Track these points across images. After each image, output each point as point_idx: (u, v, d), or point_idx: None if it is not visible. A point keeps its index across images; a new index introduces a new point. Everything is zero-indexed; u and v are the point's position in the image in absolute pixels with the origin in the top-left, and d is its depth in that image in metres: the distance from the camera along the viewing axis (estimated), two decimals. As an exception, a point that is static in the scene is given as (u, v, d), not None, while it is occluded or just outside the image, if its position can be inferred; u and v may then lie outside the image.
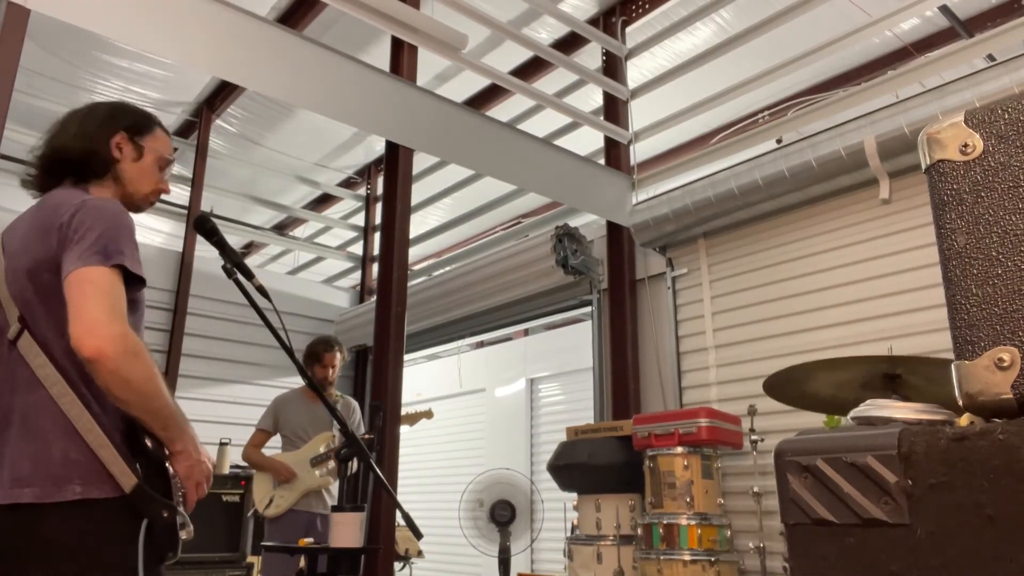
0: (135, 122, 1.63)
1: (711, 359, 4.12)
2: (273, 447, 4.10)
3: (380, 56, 4.09)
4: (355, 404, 4.28)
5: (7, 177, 6.00)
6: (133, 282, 1.39)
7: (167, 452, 1.40)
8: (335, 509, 2.60)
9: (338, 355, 4.10)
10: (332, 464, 3.96)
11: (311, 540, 3.04)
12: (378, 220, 5.98)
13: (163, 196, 1.66)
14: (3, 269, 1.43)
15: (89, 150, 1.54)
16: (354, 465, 3.67)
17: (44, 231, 1.40)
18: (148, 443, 1.38)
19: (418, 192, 6.27)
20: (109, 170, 1.56)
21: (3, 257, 1.45)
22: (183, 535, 1.40)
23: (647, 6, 4.92)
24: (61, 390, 1.33)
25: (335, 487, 4.03)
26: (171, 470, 1.41)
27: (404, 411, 4.18)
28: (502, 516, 4.34)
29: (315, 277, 7.65)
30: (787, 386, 2.52)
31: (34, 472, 1.30)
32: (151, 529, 1.34)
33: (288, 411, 4.08)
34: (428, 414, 4.39)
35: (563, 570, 3.74)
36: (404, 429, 4.13)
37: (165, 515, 1.35)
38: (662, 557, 3.20)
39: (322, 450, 3.95)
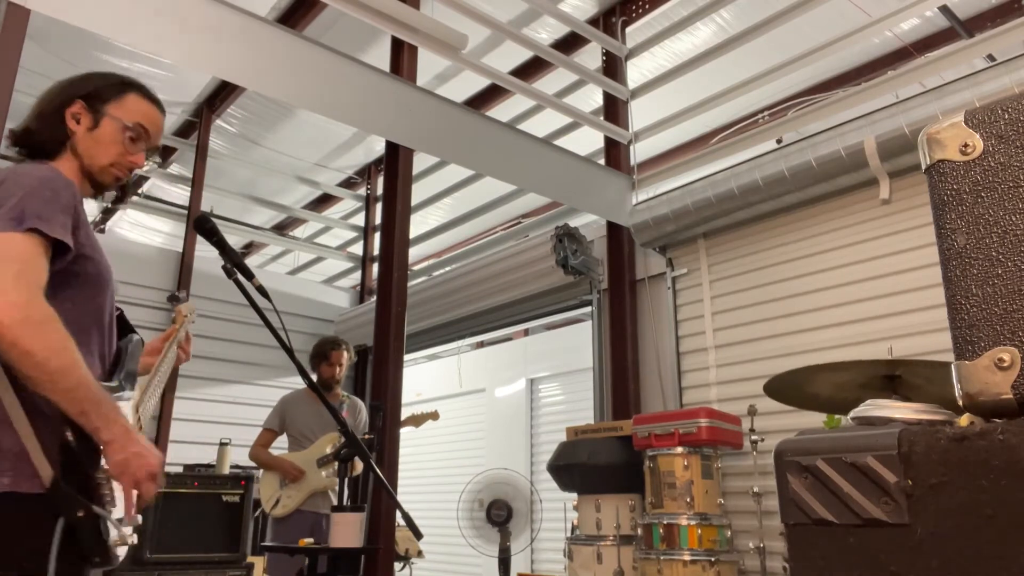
0: (96, 88, 1.54)
1: (711, 359, 4.12)
2: (279, 447, 4.11)
3: (380, 56, 4.09)
4: (361, 404, 4.29)
5: (7, 177, 5.99)
6: (62, 250, 1.29)
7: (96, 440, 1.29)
8: (335, 509, 2.61)
9: (345, 354, 4.14)
10: (338, 464, 3.96)
11: (311, 540, 3.04)
12: (378, 220, 5.98)
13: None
14: None
15: (35, 128, 1.46)
16: (358, 466, 3.68)
17: None
18: (69, 435, 1.27)
19: (418, 192, 6.27)
20: (64, 144, 1.46)
21: None
22: (115, 540, 1.30)
23: (647, 6, 4.92)
24: None
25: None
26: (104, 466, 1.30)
27: (410, 412, 4.20)
28: (500, 516, 4.34)
29: (315, 277, 7.66)
30: (787, 388, 2.52)
31: None
32: (73, 530, 1.25)
33: (295, 411, 4.09)
34: (434, 415, 4.39)
35: (563, 570, 3.74)
36: (407, 430, 4.15)
37: (80, 515, 1.24)
38: (662, 557, 3.20)
39: (328, 451, 3.96)
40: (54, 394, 1.22)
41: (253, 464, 4.60)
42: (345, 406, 4.03)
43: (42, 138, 1.47)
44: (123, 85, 1.58)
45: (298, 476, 3.90)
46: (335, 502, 3.96)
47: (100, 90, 1.55)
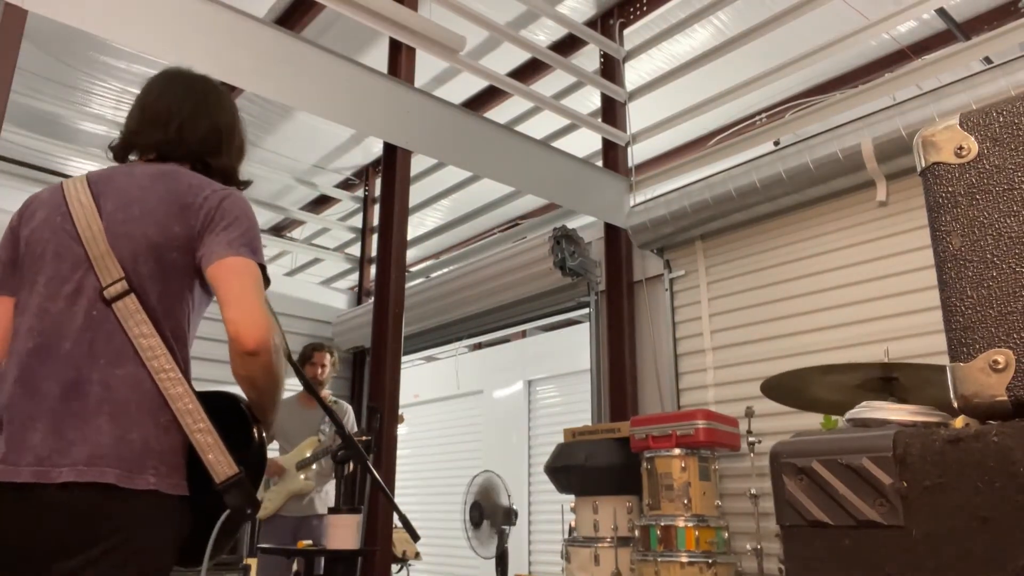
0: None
1: (708, 361, 4.12)
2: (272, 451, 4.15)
3: (378, 58, 4.09)
4: (347, 407, 4.35)
5: (6, 179, 5.99)
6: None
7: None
8: (332, 511, 2.60)
9: (327, 355, 4.22)
10: (315, 468, 4.04)
11: (310, 542, 3.04)
12: (376, 221, 5.97)
13: None
14: (99, 224, 1.33)
15: (229, 155, 1.52)
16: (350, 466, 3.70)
17: (180, 207, 1.34)
18: (256, 437, 1.33)
19: (416, 193, 6.27)
20: (234, 181, 1.54)
21: (95, 209, 1.35)
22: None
23: (645, 8, 4.92)
24: (164, 364, 1.26)
25: (329, 489, 4.07)
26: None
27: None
28: (495, 518, 4.35)
29: (313, 278, 7.65)
30: (784, 389, 2.53)
31: (115, 452, 1.21)
32: (206, 526, 1.28)
33: (283, 416, 4.13)
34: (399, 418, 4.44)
35: (560, 572, 3.74)
36: (405, 432, 4.16)
37: (249, 513, 1.28)
38: (659, 559, 3.20)
39: (308, 455, 4.02)
40: (268, 401, 1.36)
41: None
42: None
43: (228, 166, 1.52)
44: None
45: (279, 472, 4.00)
46: (317, 504, 4.02)
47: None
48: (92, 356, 1.26)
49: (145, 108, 1.50)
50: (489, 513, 4.36)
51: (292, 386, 5.57)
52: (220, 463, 1.26)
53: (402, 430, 3.91)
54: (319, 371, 4.23)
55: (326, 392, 4.29)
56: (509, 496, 4.46)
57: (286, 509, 3.98)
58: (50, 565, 1.18)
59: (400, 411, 4.45)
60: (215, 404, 1.32)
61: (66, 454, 1.20)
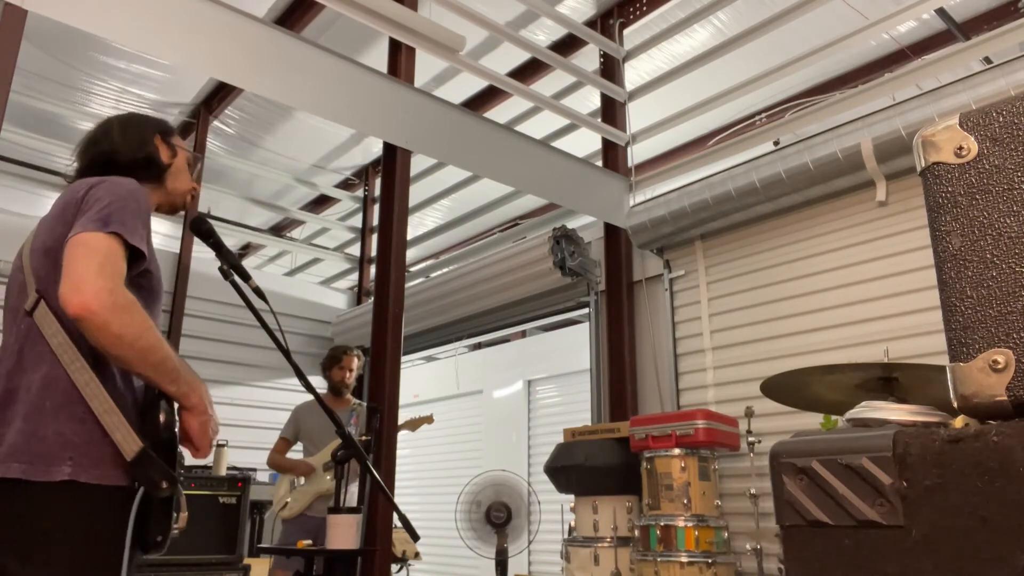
0: (161, 124, 1.70)
1: (708, 361, 4.12)
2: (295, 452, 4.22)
3: (378, 58, 4.09)
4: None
5: (6, 179, 5.99)
6: (135, 258, 1.38)
7: (180, 408, 1.40)
8: (332, 511, 2.60)
9: (355, 359, 4.23)
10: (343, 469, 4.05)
11: (310, 543, 3.04)
12: (376, 221, 5.98)
13: None
14: (28, 248, 1.46)
15: (147, 156, 1.60)
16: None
17: (63, 207, 1.43)
18: (161, 417, 1.36)
19: (416, 193, 6.27)
20: (150, 172, 1.60)
21: (31, 238, 1.49)
22: (177, 522, 1.38)
23: (645, 8, 4.92)
24: (71, 356, 1.32)
25: (354, 490, 4.09)
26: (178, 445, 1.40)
27: (406, 416, 4.25)
28: (498, 518, 4.34)
29: (313, 278, 7.65)
30: (783, 389, 2.53)
31: (25, 448, 1.28)
32: (143, 509, 1.33)
33: (306, 418, 4.19)
34: (429, 419, 4.43)
35: (560, 572, 3.74)
36: (403, 433, 4.17)
37: (164, 485, 1.31)
38: (659, 559, 3.20)
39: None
40: (144, 369, 1.33)
41: (249, 466, 4.62)
42: (355, 413, 4.07)
43: (126, 160, 1.58)
44: (168, 123, 1.76)
45: (308, 471, 4.02)
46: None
47: (164, 126, 1.71)
48: (20, 366, 1.36)
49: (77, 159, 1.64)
50: (517, 511, 4.35)
51: (292, 383, 5.59)
52: (126, 440, 1.30)
53: (405, 433, 3.92)
54: (347, 375, 4.21)
55: (349, 395, 4.30)
56: (530, 491, 4.46)
57: (313, 509, 4.02)
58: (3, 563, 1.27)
59: (431, 412, 4.50)
60: (152, 393, 1.40)
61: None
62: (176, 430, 1.39)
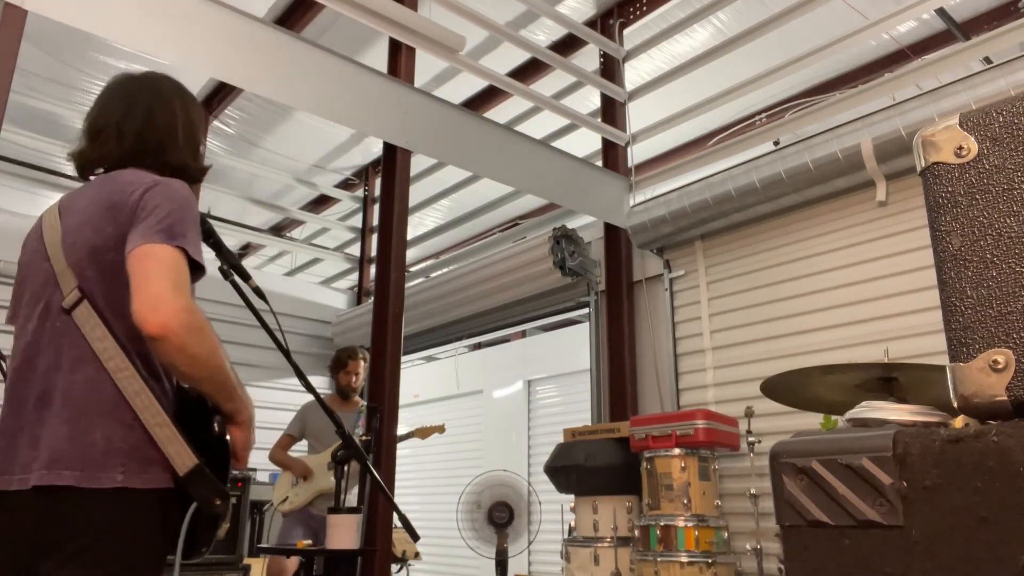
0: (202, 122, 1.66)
1: (708, 361, 4.12)
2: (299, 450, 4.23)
3: (378, 58, 4.09)
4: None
5: (6, 179, 5.99)
6: (194, 271, 1.36)
7: (231, 422, 1.38)
8: (331, 511, 2.60)
9: (362, 363, 4.24)
10: (346, 468, 4.05)
11: (309, 543, 3.04)
12: (376, 221, 5.98)
13: None
14: (59, 239, 1.39)
15: (200, 168, 1.56)
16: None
17: (112, 207, 1.36)
18: (216, 430, 1.34)
19: (416, 193, 6.27)
20: (202, 178, 1.57)
21: (60, 227, 1.41)
22: (220, 532, 1.36)
23: (645, 8, 4.92)
24: (119, 364, 1.29)
25: (353, 492, 4.09)
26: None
27: (417, 425, 4.27)
28: (500, 518, 4.34)
29: (313, 278, 7.65)
30: (783, 389, 2.53)
31: (73, 454, 1.25)
32: (194, 519, 1.31)
33: (313, 417, 4.21)
34: (440, 428, 4.46)
35: (560, 572, 3.74)
36: (412, 440, 4.19)
37: (217, 503, 1.29)
38: (659, 559, 3.20)
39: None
40: (210, 387, 1.32)
41: (249, 466, 4.60)
42: (362, 415, 4.08)
43: (178, 164, 1.52)
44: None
45: (305, 473, 4.04)
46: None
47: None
48: (57, 366, 1.32)
49: (88, 126, 1.53)
50: (518, 512, 4.36)
51: (292, 383, 5.58)
52: (180, 455, 1.28)
53: (401, 431, 3.92)
54: (353, 379, 4.23)
55: (356, 397, 4.31)
56: (531, 491, 4.46)
57: (315, 506, 4.04)
58: (36, 566, 1.24)
59: (443, 423, 4.50)
60: (186, 398, 1.37)
61: (37, 460, 1.27)
62: (227, 443, 1.38)
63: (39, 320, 1.37)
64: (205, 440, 1.33)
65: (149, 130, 1.51)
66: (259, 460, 4.69)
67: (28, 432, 1.29)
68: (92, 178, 1.52)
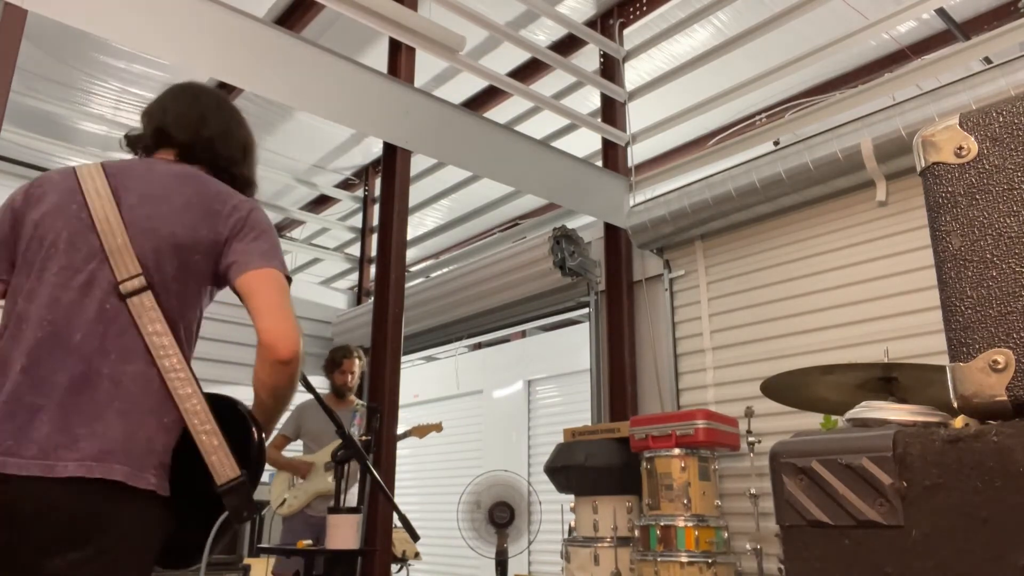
0: None
1: (708, 361, 4.12)
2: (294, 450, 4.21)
3: (378, 58, 4.09)
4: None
5: (6, 178, 5.99)
6: None
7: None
8: (331, 511, 2.60)
9: (357, 361, 4.20)
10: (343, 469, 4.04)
11: (310, 542, 3.04)
12: (376, 221, 5.99)
13: None
14: (118, 215, 1.32)
15: (244, 163, 1.57)
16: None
17: (208, 211, 1.37)
18: (256, 444, 1.32)
19: (416, 193, 6.27)
20: (245, 187, 1.59)
21: (115, 201, 1.33)
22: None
23: (645, 8, 4.92)
24: (175, 364, 1.27)
25: (352, 492, 4.08)
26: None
27: (415, 423, 4.25)
28: (500, 518, 4.34)
29: (313, 278, 7.65)
30: (784, 389, 2.53)
31: (124, 449, 1.21)
32: (201, 529, 1.29)
33: (308, 417, 4.17)
34: (438, 427, 4.44)
35: (560, 572, 3.74)
36: (410, 439, 4.17)
37: (246, 515, 1.27)
38: (659, 559, 3.20)
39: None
40: (275, 413, 1.37)
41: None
42: (358, 413, 4.07)
43: (250, 178, 1.58)
44: None
45: (305, 472, 3.95)
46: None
47: None
48: (103, 350, 1.25)
49: (175, 110, 1.51)
50: (519, 512, 4.35)
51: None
52: (224, 465, 1.26)
53: (399, 430, 3.91)
54: (348, 378, 4.19)
55: (352, 396, 4.29)
56: (531, 491, 4.46)
57: (312, 508, 4.01)
58: (41, 561, 1.16)
59: (440, 421, 4.48)
60: (215, 406, 1.33)
61: (72, 448, 1.18)
62: (265, 458, 1.37)
63: (78, 293, 1.27)
64: (243, 452, 1.30)
65: (239, 145, 1.55)
66: (259, 460, 4.69)
67: (55, 413, 1.20)
68: (148, 159, 1.48)
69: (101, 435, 1.20)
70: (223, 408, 1.34)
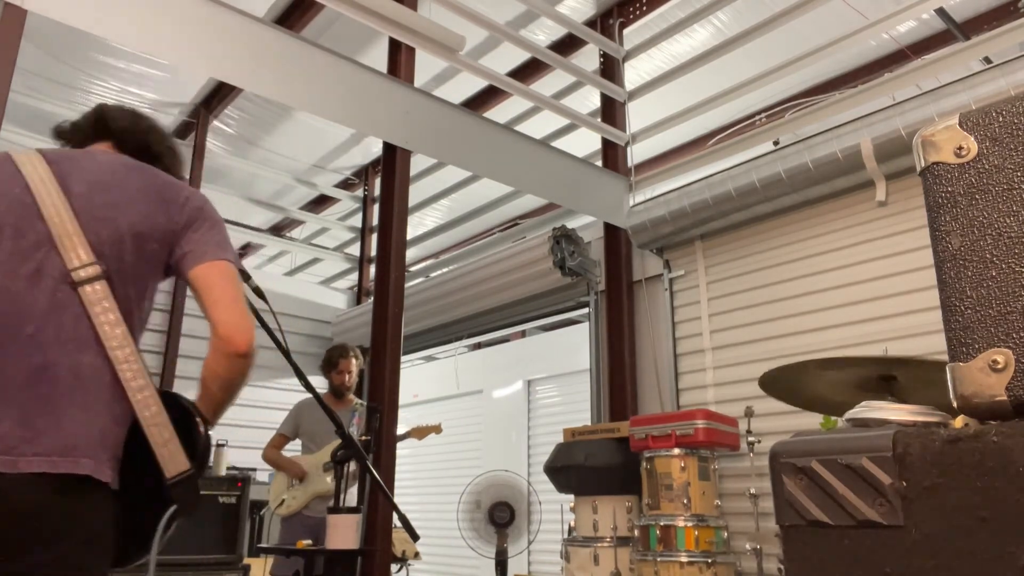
0: None
1: (708, 361, 4.12)
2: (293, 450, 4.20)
3: (378, 57, 4.09)
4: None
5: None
6: None
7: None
8: (331, 511, 2.60)
9: (354, 361, 4.18)
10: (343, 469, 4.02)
11: (309, 542, 3.04)
12: (375, 221, 5.99)
13: None
14: (64, 201, 1.28)
15: (171, 159, 1.57)
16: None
17: (162, 200, 1.37)
18: (202, 431, 1.30)
19: (415, 193, 6.27)
20: None
21: (61, 191, 1.29)
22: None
23: (645, 8, 4.92)
24: (128, 355, 1.23)
25: (352, 492, 4.07)
26: None
27: (414, 424, 4.25)
28: (501, 518, 4.34)
29: (312, 278, 7.65)
30: (782, 384, 2.52)
31: (87, 442, 1.18)
32: (148, 523, 1.25)
33: (307, 416, 4.16)
34: (437, 428, 4.42)
35: (560, 572, 3.74)
36: (409, 440, 4.16)
37: (193, 509, 1.25)
38: (659, 559, 3.20)
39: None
40: (228, 404, 1.35)
41: (249, 466, 4.60)
42: (357, 413, 4.06)
43: (177, 172, 1.57)
44: None
45: (300, 474, 3.95)
46: None
47: None
48: (59, 340, 1.21)
49: (107, 111, 1.54)
50: (519, 512, 4.35)
51: (292, 383, 5.57)
52: (174, 458, 1.24)
53: (401, 431, 3.91)
54: (345, 378, 4.14)
55: (350, 395, 4.27)
56: (531, 490, 4.46)
57: (311, 508, 3.99)
58: (5, 564, 1.12)
59: (439, 423, 4.46)
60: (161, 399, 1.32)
61: (35, 443, 1.14)
62: (210, 452, 1.36)
63: (28, 283, 1.22)
64: (189, 446, 1.28)
65: (161, 135, 1.56)
66: (258, 460, 4.70)
67: (14, 408, 1.15)
68: (87, 149, 1.46)
69: (67, 429, 1.17)
70: (167, 401, 1.31)
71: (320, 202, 7.59)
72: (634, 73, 5.22)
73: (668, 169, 4.60)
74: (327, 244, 7.84)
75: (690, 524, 3.21)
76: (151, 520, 1.25)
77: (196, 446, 1.29)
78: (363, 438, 3.21)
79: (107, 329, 1.23)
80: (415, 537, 2.01)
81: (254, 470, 5.08)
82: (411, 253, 7.33)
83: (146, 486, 1.24)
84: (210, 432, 1.34)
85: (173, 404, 1.31)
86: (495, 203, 6.61)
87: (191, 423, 1.31)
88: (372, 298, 3.76)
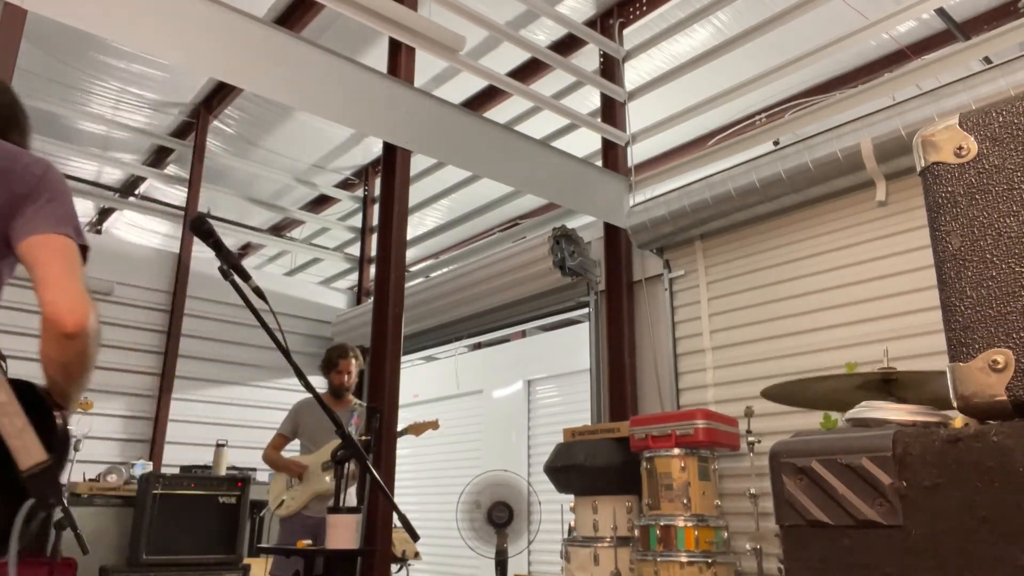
0: None
1: (708, 361, 4.12)
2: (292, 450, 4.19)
3: (378, 57, 4.09)
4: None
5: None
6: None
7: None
8: (331, 511, 2.60)
9: (353, 361, 4.15)
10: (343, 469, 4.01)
11: (309, 542, 3.03)
12: (376, 221, 5.99)
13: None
14: None
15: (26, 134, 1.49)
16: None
17: (3, 172, 1.28)
18: (59, 420, 1.23)
19: (416, 193, 6.27)
20: None
21: None
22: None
23: (645, 8, 4.92)
24: None
25: (351, 492, 4.07)
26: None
27: (410, 421, 4.24)
28: (500, 518, 4.34)
29: (312, 278, 7.66)
30: (784, 395, 2.53)
31: None
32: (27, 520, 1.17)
33: (307, 416, 4.14)
34: (434, 424, 4.41)
35: (560, 572, 3.74)
36: (407, 437, 4.15)
37: (52, 501, 1.17)
38: (659, 559, 3.20)
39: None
40: (75, 390, 1.25)
41: (249, 466, 4.59)
42: (356, 413, 4.05)
43: (28, 146, 1.46)
44: None
45: (300, 472, 3.95)
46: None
47: None
48: None
49: None
50: (518, 512, 4.35)
51: (292, 383, 5.59)
52: (29, 450, 1.16)
53: (409, 438, 3.90)
54: (345, 378, 4.12)
55: (349, 396, 4.26)
56: (530, 490, 4.46)
57: (310, 509, 3.98)
58: None
59: (436, 419, 4.44)
60: (14, 388, 1.24)
61: None
62: (69, 442, 1.27)
63: None
64: (46, 436, 1.20)
65: (23, 110, 1.46)
66: (258, 460, 4.71)
67: None
68: None
69: None
70: (20, 390, 1.24)
71: (320, 202, 7.59)
72: (634, 73, 5.22)
73: (668, 169, 4.60)
74: (327, 244, 7.84)
75: (690, 524, 3.21)
76: (8, 516, 1.18)
77: (52, 436, 1.22)
78: (363, 438, 3.21)
79: None
80: (415, 537, 2.01)
81: (254, 470, 5.08)
82: (411, 253, 7.33)
83: (4, 480, 1.17)
84: (68, 421, 1.26)
85: (28, 393, 1.23)
86: (495, 203, 6.62)
87: (46, 412, 1.24)
88: (372, 298, 3.76)
